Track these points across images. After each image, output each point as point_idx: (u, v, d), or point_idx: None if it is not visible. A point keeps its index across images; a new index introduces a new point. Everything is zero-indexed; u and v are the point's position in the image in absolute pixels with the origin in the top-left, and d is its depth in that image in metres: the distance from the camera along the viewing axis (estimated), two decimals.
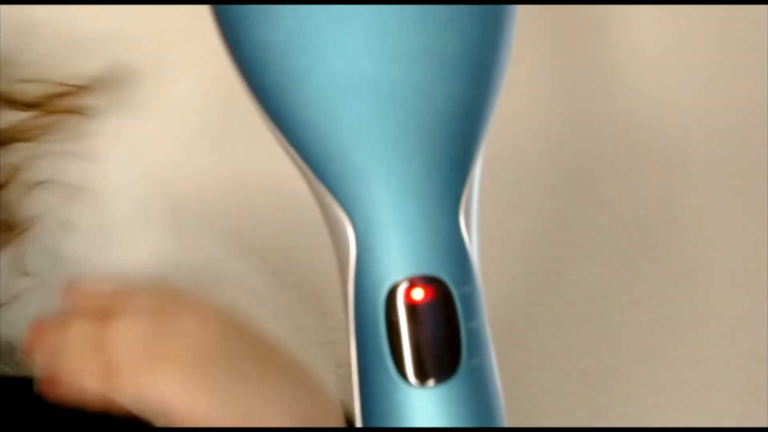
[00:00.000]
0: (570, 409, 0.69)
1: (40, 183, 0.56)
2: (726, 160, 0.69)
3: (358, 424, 0.36)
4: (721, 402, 0.70)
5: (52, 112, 0.54)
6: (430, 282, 0.35)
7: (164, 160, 0.58)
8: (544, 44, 0.64)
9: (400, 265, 0.35)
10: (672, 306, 0.70)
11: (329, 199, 0.35)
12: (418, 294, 0.35)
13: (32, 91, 0.54)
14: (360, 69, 0.34)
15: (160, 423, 0.48)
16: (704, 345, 0.70)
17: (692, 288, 0.70)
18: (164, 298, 0.48)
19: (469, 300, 0.35)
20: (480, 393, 0.35)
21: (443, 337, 0.35)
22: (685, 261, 0.69)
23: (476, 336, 0.35)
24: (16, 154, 0.55)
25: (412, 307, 0.35)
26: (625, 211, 0.68)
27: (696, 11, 0.66)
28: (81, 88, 0.55)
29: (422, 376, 0.35)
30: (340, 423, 0.47)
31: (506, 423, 0.37)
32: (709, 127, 0.68)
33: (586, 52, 0.65)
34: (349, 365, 0.38)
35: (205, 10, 0.39)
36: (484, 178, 0.66)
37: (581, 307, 0.68)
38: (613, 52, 0.65)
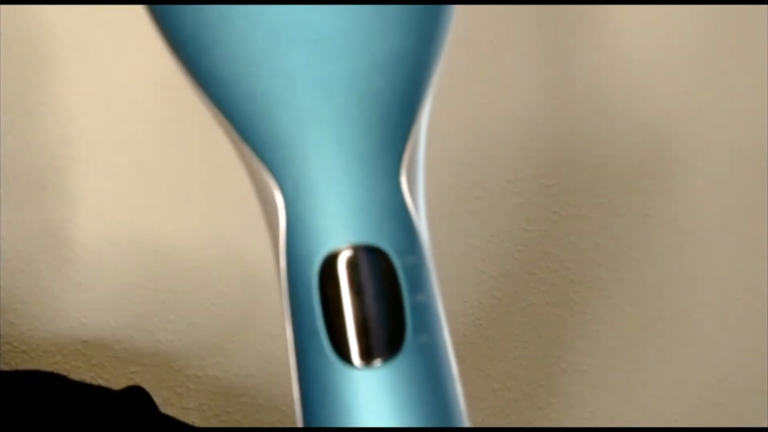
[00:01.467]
0: (570, 409, 0.68)
1: None
2: (726, 159, 0.68)
3: (298, 411, 0.32)
4: (721, 402, 0.70)
5: None
6: (368, 252, 0.30)
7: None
8: (543, 45, 0.64)
9: (333, 234, 0.30)
10: (672, 306, 0.69)
11: (255, 162, 0.31)
12: (354, 265, 0.30)
13: None
14: (285, 15, 0.30)
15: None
16: (704, 345, 0.70)
17: (692, 287, 0.69)
18: None
19: (414, 271, 0.31)
20: (430, 373, 0.31)
21: (384, 312, 0.30)
22: (685, 261, 0.68)
23: (424, 311, 0.31)
24: None
25: (347, 280, 0.30)
26: (625, 211, 0.67)
27: (696, 11, 0.66)
28: None
29: (363, 355, 0.30)
30: None
31: (464, 408, 0.32)
32: (710, 126, 0.67)
33: (585, 52, 0.65)
34: None
35: None
36: (483, 176, 0.67)
37: (581, 307, 0.68)
38: (614, 53, 0.65)
